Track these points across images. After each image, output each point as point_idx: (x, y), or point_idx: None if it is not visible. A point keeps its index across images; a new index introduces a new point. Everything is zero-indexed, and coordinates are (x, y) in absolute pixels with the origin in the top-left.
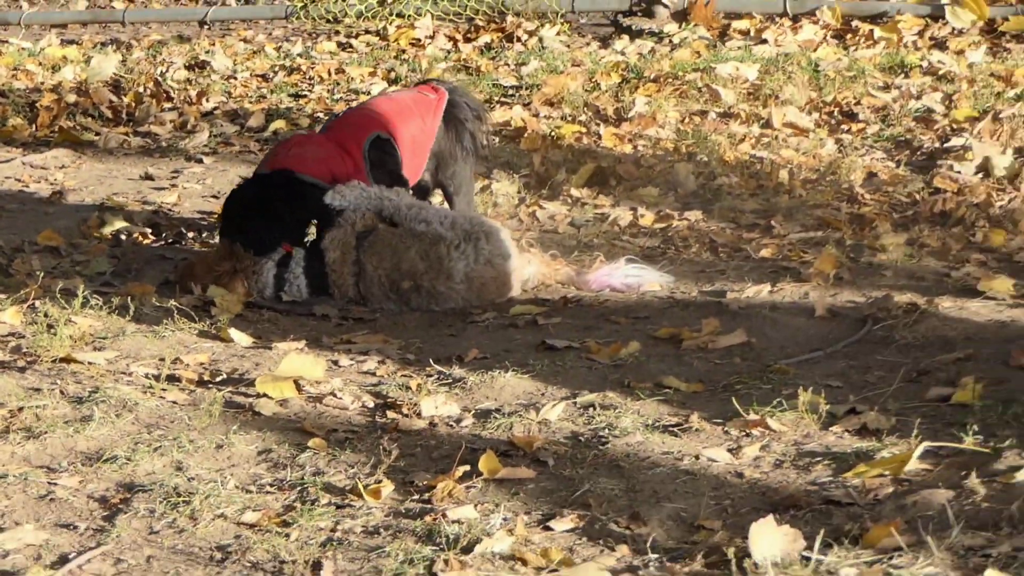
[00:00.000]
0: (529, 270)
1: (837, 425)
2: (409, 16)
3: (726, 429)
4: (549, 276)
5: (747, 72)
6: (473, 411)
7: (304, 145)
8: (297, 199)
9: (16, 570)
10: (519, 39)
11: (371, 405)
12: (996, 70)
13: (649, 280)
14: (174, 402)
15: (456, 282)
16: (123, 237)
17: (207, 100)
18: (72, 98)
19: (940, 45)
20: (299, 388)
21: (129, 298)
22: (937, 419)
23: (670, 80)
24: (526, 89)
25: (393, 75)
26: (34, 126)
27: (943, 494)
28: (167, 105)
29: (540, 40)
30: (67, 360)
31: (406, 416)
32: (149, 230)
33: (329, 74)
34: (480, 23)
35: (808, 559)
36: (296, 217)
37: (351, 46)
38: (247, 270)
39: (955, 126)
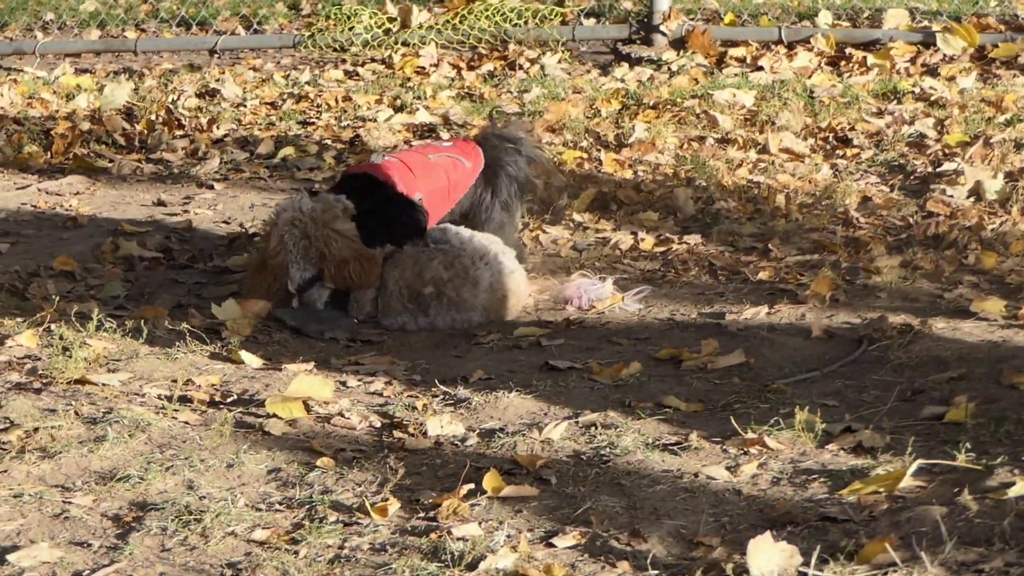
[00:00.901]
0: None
1: (833, 443)
2: (414, 45)
3: (725, 447)
4: (538, 292)
5: (744, 99)
6: (477, 430)
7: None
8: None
9: None
10: (521, 67)
11: (378, 425)
12: (987, 96)
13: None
14: (186, 422)
15: (481, 290)
16: (136, 262)
17: (217, 127)
18: (86, 126)
19: (932, 72)
20: (308, 408)
21: (142, 321)
22: (931, 437)
23: (669, 107)
24: (528, 116)
25: (399, 102)
26: (49, 153)
27: (936, 510)
28: (179, 132)
29: (542, 68)
30: (82, 382)
31: (412, 435)
32: (162, 255)
33: (336, 102)
34: (483, 51)
35: (805, 575)
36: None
37: (358, 74)
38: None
39: (947, 151)
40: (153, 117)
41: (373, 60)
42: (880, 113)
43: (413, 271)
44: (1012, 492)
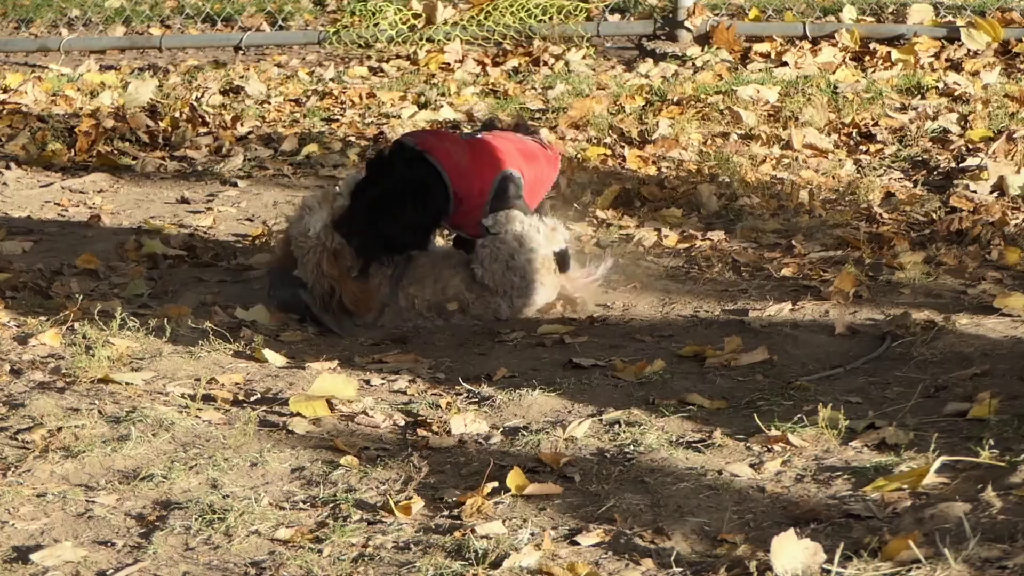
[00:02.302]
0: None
1: (856, 440)
2: (439, 41)
3: (748, 445)
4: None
5: (768, 94)
6: (501, 428)
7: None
8: None
9: None
10: (546, 63)
11: (402, 423)
12: (1010, 91)
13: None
14: (209, 421)
15: (505, 305)
16: (160, 260)
17: (241, 125)
18: (110, 123)
19: (956, 67)
20: (332, 407)
21: (166, 319)
22: (954, 433)
23: (693, 103)
24: (553, 112)
25: (423, 99)
26: (73, 151)
27: (960, 507)
28: (202, 130)
29: (566, 64)
30: (105, 380)
31: (436, 434)
32: (185, 253)
33: (360, 98)
34: (508, 47)
35: (828, 572)
36: None
37: (382, 71)
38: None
39: (970, 146)
40: (177, 114)
41: (398, 56)
42: (904, 108)
43: (434, 288)
44: None
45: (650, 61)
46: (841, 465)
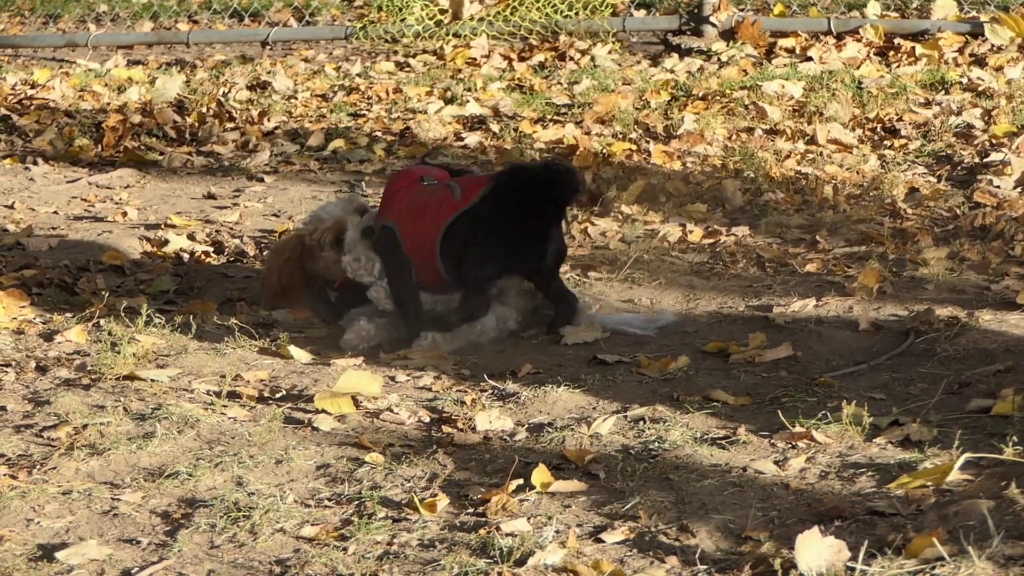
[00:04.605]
0: None
1: (880, 437)
2: (465, 36)
3: (772, 441)
4: None
5: (792, 89)
6: (526, 425)
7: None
8: None
9: None
10: (571, 58)
11: (427, 420)
12: None
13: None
14: (235, 418)
15: None
16: (186, 256)
17: (268, 120)
18: (137, 119)
19: (979, 62)
20: (357, 404)
21: (191, 316)
22: (978, 430)
23: (718, 98)
24: (578, 107)
25: (449, 94)
26: (100, 146)
27: (984, 504)
28: (229, 125)
29: (592, 59)
30: (130, 377)
31: (461, 430)
32: (212, 248)
33: (387, 94)
34: (534, 42)
35: (853, 570)
36: None
37: (409, 66)
38: None
39: (994, 141)
40: (204, 110)
41: (424, 51)
42: (928, 104)
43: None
44: None
45: (675, 56)
46: (865, 462)
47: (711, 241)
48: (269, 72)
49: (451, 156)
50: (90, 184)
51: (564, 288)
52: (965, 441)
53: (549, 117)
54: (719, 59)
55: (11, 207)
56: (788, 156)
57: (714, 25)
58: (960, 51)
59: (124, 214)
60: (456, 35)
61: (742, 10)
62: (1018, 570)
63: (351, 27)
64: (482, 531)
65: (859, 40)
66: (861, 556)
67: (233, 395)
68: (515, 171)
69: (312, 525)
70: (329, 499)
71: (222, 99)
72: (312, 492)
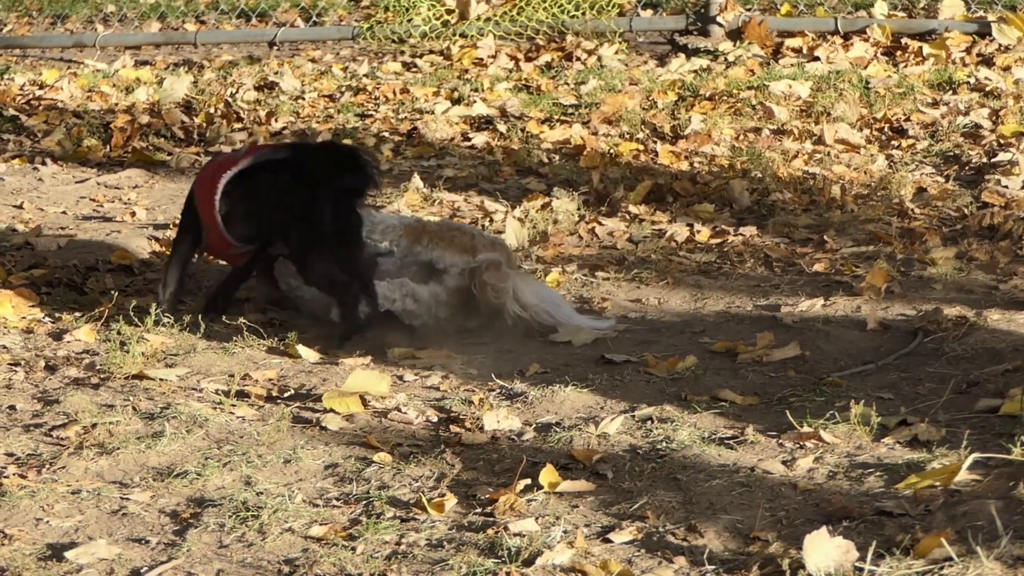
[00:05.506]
0: None
1: (888, 437)
2: (472, 36)
3: (780, 441)
4: None
5: (799, 89)
6: (534, 425)
7: None
8: None
9: None
10: (578, 58)
11: (435, 419)
12: None
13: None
14: (243, 418)
15: None
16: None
17: (276, 120)
18: (145, 119)
19: (987, 61)
20: (365, 403)
21: (200, 315)
22: (986, 430)
23: (725, 98)
24: (585, 108)
25: (456, 95)
26: (108, 147)
27: (992, 504)
28: (237, 125)
29: (599, 59)
30: (139, 377)
31: (469, 430)
32: None
33: (394, 94)
34: (541, 43)
35: (861, 570)
36: None
37: (416, 66)
38: None
39: (1002, 141)
40: (212, 110)
41: (431, 52)
42: (935, 104)
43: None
44: None
45: (682, 56)
46: (873, 462)
47: (719, 241)
48: (276, 72)
49: (458, 156)
50: (99, 184)
51: (339, 279)
52: (973, 441)
53: (556, 117)
54: (726, 59)
55: (20, 207)
56: (795, 156)
57: (721, 25)
58: (967, 51)
59: (133, 214)
60: (463, 35)
61: (749, 10)
62: None
63: (358, 27)
64: (490, 531)
65: (866, 40)
66: (869, 556)
67: (242, 394)
68: (301, 144)
69: (320, 525)
70: (337, 499)
71: (230, 99)
72: (320, 491)
